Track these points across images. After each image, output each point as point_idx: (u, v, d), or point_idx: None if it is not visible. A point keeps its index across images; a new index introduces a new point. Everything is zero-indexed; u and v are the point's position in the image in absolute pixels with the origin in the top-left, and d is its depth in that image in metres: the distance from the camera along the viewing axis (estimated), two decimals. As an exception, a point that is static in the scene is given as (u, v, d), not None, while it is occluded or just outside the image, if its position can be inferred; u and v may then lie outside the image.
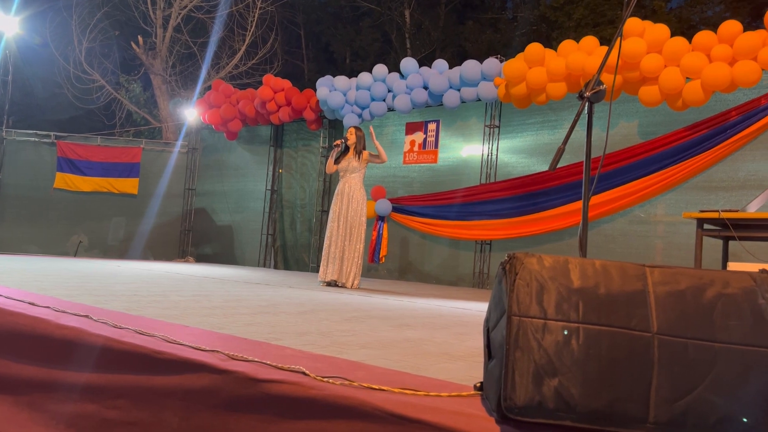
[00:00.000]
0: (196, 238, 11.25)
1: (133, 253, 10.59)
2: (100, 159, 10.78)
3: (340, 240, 6.06)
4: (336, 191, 6.24)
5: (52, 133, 10.87)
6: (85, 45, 13.61)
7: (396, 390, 1.46)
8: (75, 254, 10.42)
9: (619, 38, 2.25)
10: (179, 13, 13.67)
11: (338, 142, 6.30)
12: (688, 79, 6.03)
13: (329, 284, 6.06)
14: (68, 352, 2.09)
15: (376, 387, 1.47)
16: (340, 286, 5.97)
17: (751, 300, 1.22)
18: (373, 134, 6.22)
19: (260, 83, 9.86)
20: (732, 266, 3.55)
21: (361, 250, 6.12)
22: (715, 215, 3.66)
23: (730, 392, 1.15)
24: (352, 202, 6.11)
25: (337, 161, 6.26)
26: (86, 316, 2.30)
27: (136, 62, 14.74)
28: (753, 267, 3.37)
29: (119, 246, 10.80)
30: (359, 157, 6.18)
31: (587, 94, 2.05)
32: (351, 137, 6.24)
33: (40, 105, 16.63)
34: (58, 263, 6.81)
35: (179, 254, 11.18)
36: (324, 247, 6.17)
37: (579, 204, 5.32)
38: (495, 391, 1.25)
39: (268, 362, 1.68)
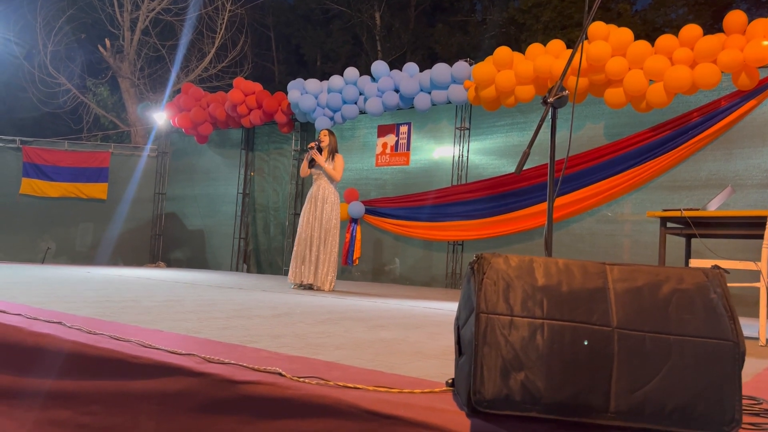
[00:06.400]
0: (167, 242, 11.13)
1: (102, 259, 10.44)
2: (68, 164, 10.61)
3: (314, 244, 6.07)
4: (309, 194, 6.26)
5: (17, 138, 10.65)
6: (50, 48, 13.37)
7: (370, 388, 1.50)
8: (43, 261, 10.23)
9: (582, 42, 2.33)
10: (147, 16, 13.51)
11: (312, 144, 6.31)
12: (651, 81, 6.19)
13: (302, 286, 6.07)
14: (41, 358, 2.09)
15: (351, 386, 1.51)
16: (316, 290, 5.99)
17: (703, 294, 1.30)
18: (324, 158, 6.21)
19: (230, 86, 9.81)
20: (693, 263, 3.67)
21: (336, 253, 6.15)
22: (677, 214, 3.76)
23: (684, 382, 1.22)
24: (326, 206, 6.14)
25: (310, 164, 6.28)
26: (59, 323, 2.29)
27: (103, 65, 14.52)
28: (713, 263, 3.50)
29: (88, 252, 10.64)
30: (332, 160, 6.21)
31: (550, 99, 2.12)
32: (324, 139, 6.26)
33: (3, 109, 16.27)
34: (26, 270, 6.69)
35: (150, 259, 11.05)
36: (294, 248, 6.18)
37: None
38: (465, 386, 1.30)
39: (245, 364, 1.71)
